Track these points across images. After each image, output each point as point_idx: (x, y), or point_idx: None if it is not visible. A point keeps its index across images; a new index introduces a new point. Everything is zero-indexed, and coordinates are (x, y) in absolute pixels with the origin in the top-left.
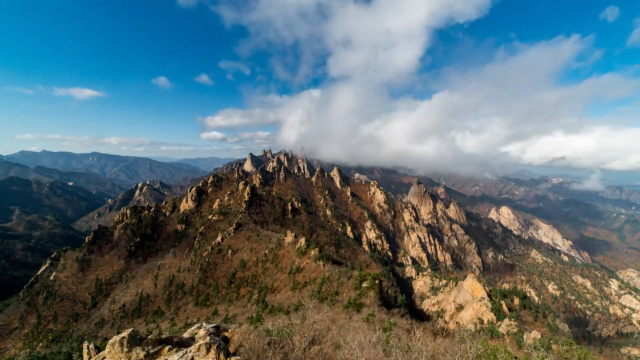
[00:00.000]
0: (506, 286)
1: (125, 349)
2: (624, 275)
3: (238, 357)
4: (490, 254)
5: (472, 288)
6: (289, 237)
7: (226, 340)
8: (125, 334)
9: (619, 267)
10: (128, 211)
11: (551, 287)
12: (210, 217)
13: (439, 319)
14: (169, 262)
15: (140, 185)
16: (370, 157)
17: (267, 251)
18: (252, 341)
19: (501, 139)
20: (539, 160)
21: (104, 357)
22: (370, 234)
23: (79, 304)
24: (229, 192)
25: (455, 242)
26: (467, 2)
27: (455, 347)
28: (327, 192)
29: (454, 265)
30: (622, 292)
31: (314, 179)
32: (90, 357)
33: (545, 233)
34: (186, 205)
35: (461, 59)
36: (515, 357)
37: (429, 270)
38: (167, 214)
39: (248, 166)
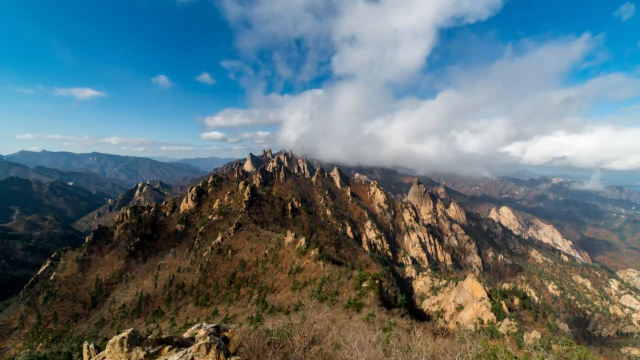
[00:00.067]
0: (506, 286)
1: (125, 349)
2: (624, 275)
3: (238, 357)
4: (490, 254)
5: (472, 288)
6: (289, 237)
7: (226, 340)
8: (125, 334)
9: (619, 267)
10: (128, 211)
11: (551, 287)
12: (210, 217)
13: (439, 319)
14: (169, 262)
15: (140, 185)
16: (370, 157)
17: (267, 251)
18: (252, 341)
19: (502, 139)
20: (539, 160)
21: (104, 357)
22: (370, 234)
23: (79, 304)
24: (229, 192)
25: (455, 242)
26: (479, 1)
27: (455, 347)
28: (327, 192)
29: (454, 265)
30: (622, 292)
31: (314, 179)
32: (90, 357)
33: (545, 233)
34: (186, 205)
35: (467, 58)
36: (515, 357)
37: (429, 270)
38: (167, 214)
39: (248, 166)
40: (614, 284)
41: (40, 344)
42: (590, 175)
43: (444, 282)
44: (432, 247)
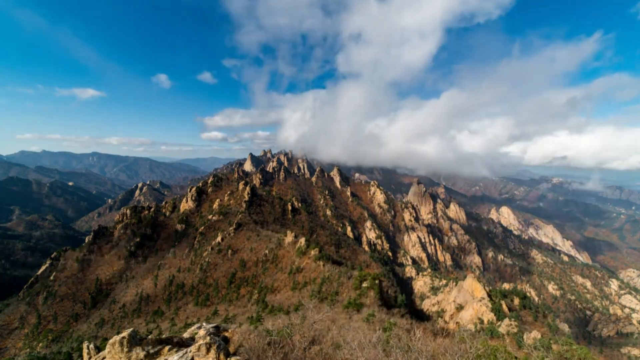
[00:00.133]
0: (506, 286)
1: (125, 349)
2: (624, 275)
3: (238, 357)
4: (490, 254)
5: (472, 288)
6: (289, 237)
7: (226, 340)
8: (125, 334)
9: (619, 267)
10: (128, 211)
11: (551, 287)
12: (210, 217)
13: (439, 319)
14: (169, 262)
15: (140, 185)
16: (370, 157)
17: (267, 251)
18: (252, 341)
19: (504, 139)
20: (539, 160)
21: (104, 357)
22: (370, 234)
23: (79, 304)
24: (229, 192)
25: (455, 242)
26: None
27: (455, 347)
28: (327, 192)
29: (454, 265)
30: (622, 292)
31: (314, 179)
32: (90, 357)
33: (545, 233)
34: (186, 205)
35: (474, 57)
36: (515, 357)
37: (429, 270)
38: (167, 214)
39: (248, 166)
40: (614, 284)
41: (40, 344)
42: (590, 175)
43: (444, 282)
44: (432, 247)
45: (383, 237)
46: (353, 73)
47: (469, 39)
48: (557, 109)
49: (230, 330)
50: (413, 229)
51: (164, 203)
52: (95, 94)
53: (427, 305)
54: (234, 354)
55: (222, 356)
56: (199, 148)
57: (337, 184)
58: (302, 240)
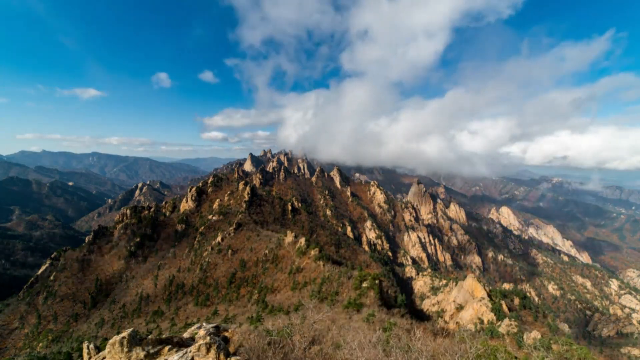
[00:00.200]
0: (506, 286)
1: (125, 349)
2: (624, 275)
3: (238, 357)
4: (490, 254)
5: (472, 288)
6: (289, 237)
7: (226, 340)
8: (125, 334)
9: (619, 267)
10: (128, 211)
11: (551, 287)
12: (210, 217)
13: (439, 319)
14: (169, 262)
15: (140, 185)
16: (370, 157)
17: (267, 251)
18: (252, 341)
19: (505, 139)
20: (540, 160)
21: (104, 357)
22: (370, 234)
23: (79, 304)
24: (229, 192)
25: (455, 242)
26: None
27: (455, 347)
28: (327, 192)
29: (454, 265)
30: (622, 292)
31: (314, 179)
32: (90, 357)
33: (545, 233)
34: (186, 205)
35: (480, 56)
36: (515, 357)
37: (429, 270)
38: (167, 214)
39: (248, 166)
40: (614, 284)
41: (40, 344)
42: (590, 175)
43: (444, 282)
44: (432, 247)
45: (383, 237)
46: (358, 72)
47: (476, 38)
48: (562, 109)
49: (230, 330)
50: (413, 229)
51: (164, 203)
52: (96, 94)
53: (427, 305)
54: (234, 354)
55: (222, 356)
56: (199, 148)
57: (337, 184)
58: (302, 240)
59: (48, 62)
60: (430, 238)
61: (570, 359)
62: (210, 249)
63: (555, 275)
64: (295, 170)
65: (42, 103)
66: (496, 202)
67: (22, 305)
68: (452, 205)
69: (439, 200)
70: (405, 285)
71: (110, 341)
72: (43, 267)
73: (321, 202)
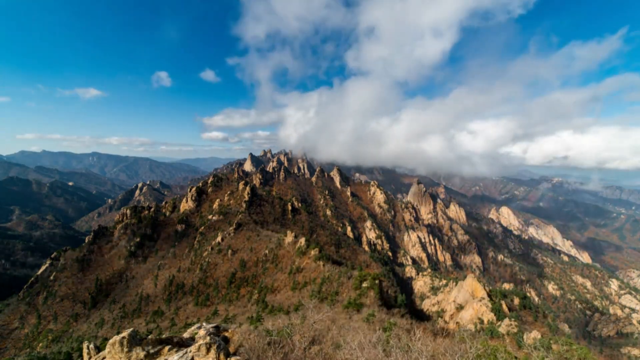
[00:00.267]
0: (506, 286)
1: (125, 349)
2: (624, 275)
3: (238, 357)
4: (490, 254)
5: (472, 288)
6: (289, 237)
7: (226, 340)
8: (125, 334)
9: (619, 267)
10: (128, 211)
11: (551, 287)
12: (210, 217)
13: (439, 319)
14: (169, 262)
15: (140, 185)
16: (370, 157)
17: (267, 251)
18: (252, 341)
19: (507, 139)
20: (541, 159)
21: (104, 357)
22: (370, 234)
23: (79, 304)
24: (229, 192)
25: (455, 242)
26: None
27: (455, 347)
28: (327, 192)
29: (454, 265)
30: (622, 292)
31: (314, 179)
32: (90, 357)
33: (545, 233)
34: (186, 205)
35: (487, 55)
36: (515, 357)
37: (429, 270)
38: (167, 214)
39: (248, 166)
40: (614, 284)
41: (40, 344)
42: (590, 175)
43: (444, 282)
44: (432, 247)
45: (383, 237)
46: (362, 70)
47: (483, 37)
48: (567, 109)
49: (230, 330)
50: (413, 228)
51: (164, 203)
52: (97, 93)
53: (427, 305)
54: (234, 354)
55: (222, 356)
56: (199, 148)
57: (337, 184)
58: (302, 240)
59: (48, 62)
60: (430, 238)
61: (570, 359)
62: (210, 249)
63: (555, 275)
64: (295, 170)
65: (43, 103)
66: (496, 202)
67: (22, 305)
68: (452, 205)
69: (439, 200)
70: (405, 285)
71: (110, 341)
72: (43, 267)
73: (321, 202)
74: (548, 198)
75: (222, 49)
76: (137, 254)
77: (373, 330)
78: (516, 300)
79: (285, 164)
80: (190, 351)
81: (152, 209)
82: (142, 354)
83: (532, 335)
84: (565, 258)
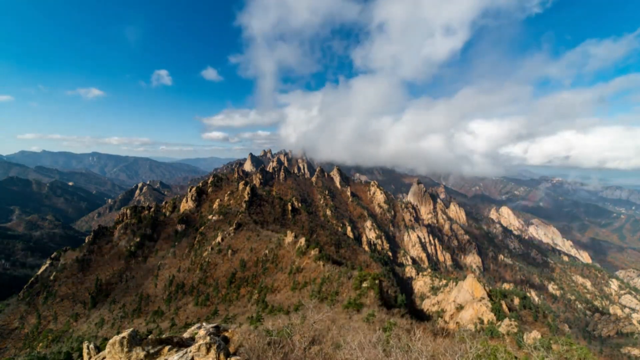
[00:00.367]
0: (506, 286)
1: (126, 349)
2: (624, 275)
3: (238, 357)
4: (490, 254)
5: (472, 288)
6: (289, 237)
7: (226, 340)
8: (125, 334)
9: (619, 266)
10: (128, 211)
11: (551, 287)
12: (210, 217)
13: (439, 319)
14: (169, 262)
15: (140, 185)
16: (370, 156)
17: (267, 251)
18: (252, 341)
19: (510, 139)
20: (542, 159)
21: (104, 357)
22: (370, 234)
23: (79, 304)
24: (229, 192)
25: (455, 242)
26: None
27: (455, 347)
28: (327, 192)
29: (454, 265)
30: (622, 292)
31: (314, 179)
32: (90, 357)
33: (545, 233)
34: (186, 205)
35: (497, 54)
36: (515, 357)
37: (429, 270)
38: (167, 214)
39: (248, 166)
40: (614, 284)
41: (40, 344)
42: (590, 175)
43: (444, 282)
44: (432, 247)
45: (383, 237)
46: (369, 69)
47: (495, 36)
48: (572, 110)
49: (230, 330)
50: (413, 228)
51: (164, 203)
52: (98, 93)
53: (427, 305)
54: (234, 354)
55: (222, 356)
56: (199, 148)
57: (337, 184)
58: (302, 240)
59: (48, 62)
60: (430, 238)
61: (570, 359)
62: (210, 249)
63: (555, 275)
64: (295, 170)
65: (44, 103)
66: (496, 202)
67: (22, 305)
68: (452, 205)
69: (439, 200)
70: (405, 285)
71: (110, 341)
72: (43, 267)
73: (321, 202)
74: (548, 198)
75: (225, 45)
76: (137, 254)
77: (373, 330)
78: (516, 300)
79: (285, 164)
80: (190, 351)
81: (152, 209)
82: (142, 354)
83: (532, 335)
84: (565, 258)
